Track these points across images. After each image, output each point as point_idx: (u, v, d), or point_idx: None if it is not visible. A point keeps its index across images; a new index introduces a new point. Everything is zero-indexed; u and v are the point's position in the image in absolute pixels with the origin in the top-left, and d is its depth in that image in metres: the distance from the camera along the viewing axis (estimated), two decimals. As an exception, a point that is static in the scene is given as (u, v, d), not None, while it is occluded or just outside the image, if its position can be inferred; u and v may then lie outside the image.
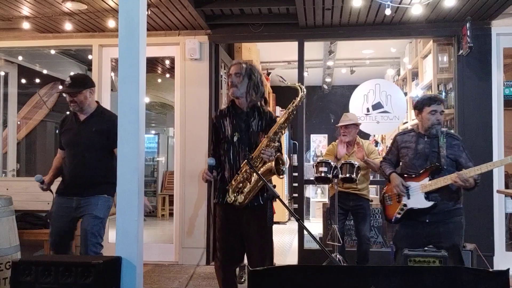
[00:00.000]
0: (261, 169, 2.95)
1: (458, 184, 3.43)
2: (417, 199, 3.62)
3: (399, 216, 3.71)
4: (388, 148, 4.05)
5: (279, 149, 3.04)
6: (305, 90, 3.13)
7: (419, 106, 3.70)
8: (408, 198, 3.65)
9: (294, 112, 3.05)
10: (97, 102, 3.78)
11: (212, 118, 3.30)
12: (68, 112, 3.70)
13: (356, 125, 4.87)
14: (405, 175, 3.72)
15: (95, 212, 3.54)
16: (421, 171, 3.63)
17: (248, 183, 2.97)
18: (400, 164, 3.88)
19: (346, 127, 4.81)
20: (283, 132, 3.05)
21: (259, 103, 3.15)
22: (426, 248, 3.71)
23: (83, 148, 3.60)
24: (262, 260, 3.06)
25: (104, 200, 3.61)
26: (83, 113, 3.65)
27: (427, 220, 3.60)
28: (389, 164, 3.87)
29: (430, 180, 3.58)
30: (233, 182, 3.04)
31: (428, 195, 3.58)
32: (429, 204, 3.57)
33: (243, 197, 2.98)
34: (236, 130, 3.09)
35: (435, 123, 3.61)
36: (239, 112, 3.13)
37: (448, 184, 3.52)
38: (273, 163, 2.90)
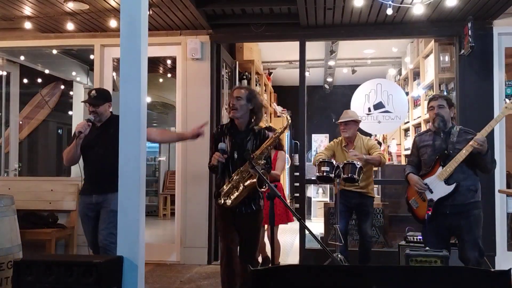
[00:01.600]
0: (248, 181, 3.41)
1: (477, 148, 3.55)
2: (439, 189, 3.73)
3: (430, 212, 3.77)
4: (410, 150, 4.22)
5: (265, 165, 3.49)
6: (290, 120, 3.70)
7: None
8: (431, 192, 3.77)
9: (279, 137, 3.65)
10: (111, 112, 4.13)
11: (213, 133, 3.79)
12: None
13: (356, 121, 4.89)
14: (421, 174, 3.87)
15: (111, 207, 3.83)
16: (432, 165, 3.78)
17: (236, 191, 3.44)
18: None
19: (345, 124, 4.84)
20: (270, 152, 3.57)
21: (254, 124, 3.62)
22: (427, 248, 3.72)
23: (100, 150, 3.93)
24: (248, 256, 3.60)
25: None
26: (99, 121, 4.02)
27: (447, 212, 3.70)
28: (412, 166, 4.01)
29: (442, 167, 3.71)
30: (224, 187, 3.50)
31: (447, 181, 3.70)
32: (451, 187, 3.68)
33: (230, 201, 3.46)
34: (235, 148, 3.54)
35: (433, 117, 3.82)
36: (237, 132, 3.59)
37: (461, 164, 3.64)
38: (256, 178, 3.37)
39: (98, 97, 3.99)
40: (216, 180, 3.71)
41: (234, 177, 3.47)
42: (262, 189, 3.44)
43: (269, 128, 4.82)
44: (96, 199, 3.90)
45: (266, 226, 5.23)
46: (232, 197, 3.45)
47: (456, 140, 3.74)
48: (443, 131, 3.81)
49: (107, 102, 4.02)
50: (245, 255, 3.62)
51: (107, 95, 4.10)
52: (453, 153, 3.69)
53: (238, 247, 3.67)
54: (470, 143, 3.59)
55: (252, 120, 3.59)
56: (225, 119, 5.93)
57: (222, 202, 3.49)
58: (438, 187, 3.73)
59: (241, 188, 3.42)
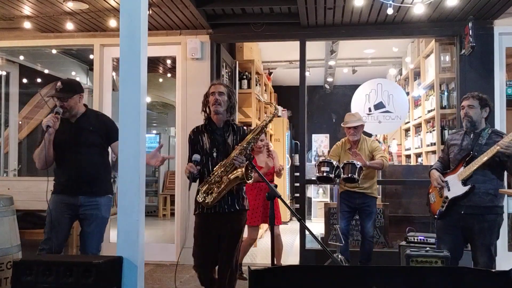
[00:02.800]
0: (233, 173, 3.25)
1: (503, 150, 3.48)
2: (455, 188, 3.72)
3: (442, 209, 3.79)
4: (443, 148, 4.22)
5: (249, 157, 3.36)
6: (277, 107, 3.49)
7: None
8: (448, 190, 3.77)
9: (266, 127, 3.50)
10: (85, 105, 3.78)
11: (190, 134, 3.54)
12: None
13: (363, 125, 4.90)
14: (445, 171, 3.87)
15: (102, 213, 3.64)
16: (456, 164, 3.77)
17: (218, 186, 3.27)
18: None
19: (355, 128, 4.81)
20: (255, 143, 3.50)
21: (231, 120, 3.53)
22: (428, 248, 3.71)
23: (81, 147, 3.60)
24: (229, 258, 3.38)
25: (108, 200, 3.71)
26: (72, 115, 3.64)
27: (462, 212, 3.68)
28: (441, 163, 4.01)
29: (464, 168, 3.69)
30: (204, 186, 3.32)
31: (465, 182, 3.67)
32: (466, 188, 3.65)
33: (212, 197, 3.28)
34: (214, 145, 3.40)
35: (463, 116, 3.78)
36: (215, 128, 3.46)
37: (482, 168, 3.60)
38: (243, 169, 3.23)
39: (65, 90, 3.56)
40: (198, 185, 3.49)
41: (216, 172, 3.29)
42: (249, 181, 3.29)
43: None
44: (82, 201, 3.58)
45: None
46: (214, 193, 3.26)
47: (484, 142, 3.68)
48: (473, 132, 3.76)
49: (76, 94, 3.59)
50: (224, 259, 3.39)
51: (76, 87, 3.65)
52: (478, 155, 3.64)
53: (214, 259, 3.46)
54: (493, 147, 3.53)
55: (229, 116, 3.49)
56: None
57: (202, 199, 3.29)
58: (455, 186, 3.72)
59: (225, 182, 3.24)
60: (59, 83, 3.59)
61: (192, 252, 3.50)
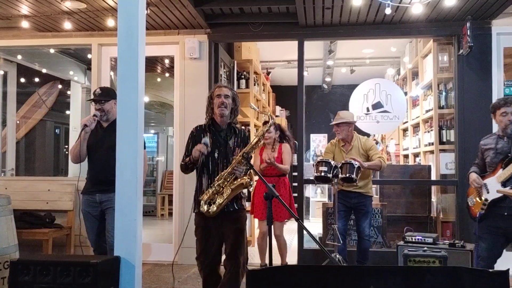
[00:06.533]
0: (234, 182, 3.36)
1: None
2: (495, 190, 3.72)
3: (483, 211, 3.80)
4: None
5: (248, 158, 3.42)
6: (274, 118, 3.73)
7: (492, 109, 3.92)
8: (488, 192, 3.79)
9: (264, 136, 3.69)
10: None
11: (192, 130, 3.65)
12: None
13: (348, 123, 4.87)
14: (483, 174, 3.89)
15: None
16: (495, 166, 3.78)
17: (221, 196, 3.36)
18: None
19: (337, 126, 4.87)
20: (254, 151, 3.60)
21: (233, 123, 3.64)
22: (425, 248, 3.71)
23: (106, 151, 3.87)
24: (237, 257, 3.45)
25: None
26: (107, 119, 4.04)
27: (505, 213, 3.69)
28: (476, 168, 4.02)
29: (503, 170, 3.71)
30: (204, 196, 3.39)
31: (504, 184, 3.69)
32: (506, 190, 3.64)
33: (215, 207, 3.35)
34: (216, 145, 3.50)
35: (507, 123, 3.77)
36: (219, 130, 3.56)
37: None
38: (246, 178, 3.35)
39: (102, 94, 4.02)
40: (196, 183, 3.59)
41: (216, 182, 3.37)
42: (250, 190, 3.42)
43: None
44: (99, 198, 3.91)
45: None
46: (217, 203, 3.34)
47: None
48: (508, 136, 3.77)
49: (112, 99, 3.99)
50: (231, 260, 3.46)
51: (111, 92, 4.09)
52: None
53: (217, 256, 3.56)
54: None
55: (232, 118, 3.60)
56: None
57: (206, 210, 3.35)
58: (494, 187, 3.73)
59: (228, 192, 3.33)
60: (97, 89, 4.09)
61: (195, 251, 3.57)
